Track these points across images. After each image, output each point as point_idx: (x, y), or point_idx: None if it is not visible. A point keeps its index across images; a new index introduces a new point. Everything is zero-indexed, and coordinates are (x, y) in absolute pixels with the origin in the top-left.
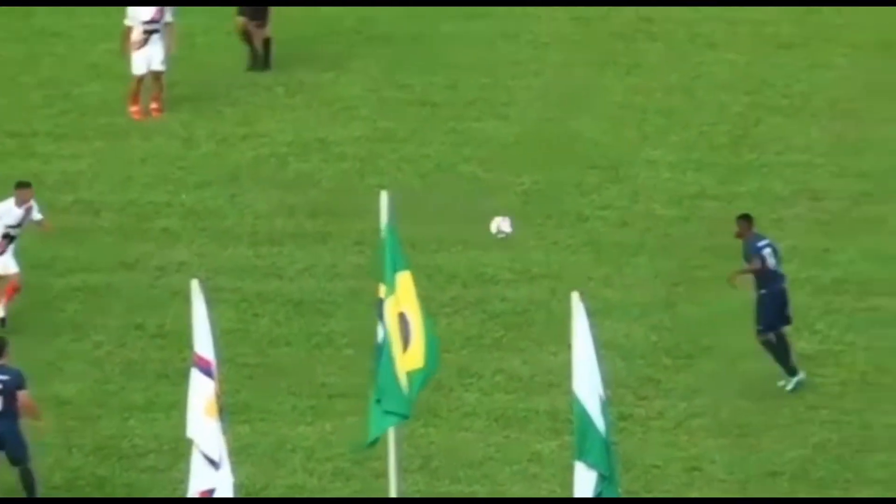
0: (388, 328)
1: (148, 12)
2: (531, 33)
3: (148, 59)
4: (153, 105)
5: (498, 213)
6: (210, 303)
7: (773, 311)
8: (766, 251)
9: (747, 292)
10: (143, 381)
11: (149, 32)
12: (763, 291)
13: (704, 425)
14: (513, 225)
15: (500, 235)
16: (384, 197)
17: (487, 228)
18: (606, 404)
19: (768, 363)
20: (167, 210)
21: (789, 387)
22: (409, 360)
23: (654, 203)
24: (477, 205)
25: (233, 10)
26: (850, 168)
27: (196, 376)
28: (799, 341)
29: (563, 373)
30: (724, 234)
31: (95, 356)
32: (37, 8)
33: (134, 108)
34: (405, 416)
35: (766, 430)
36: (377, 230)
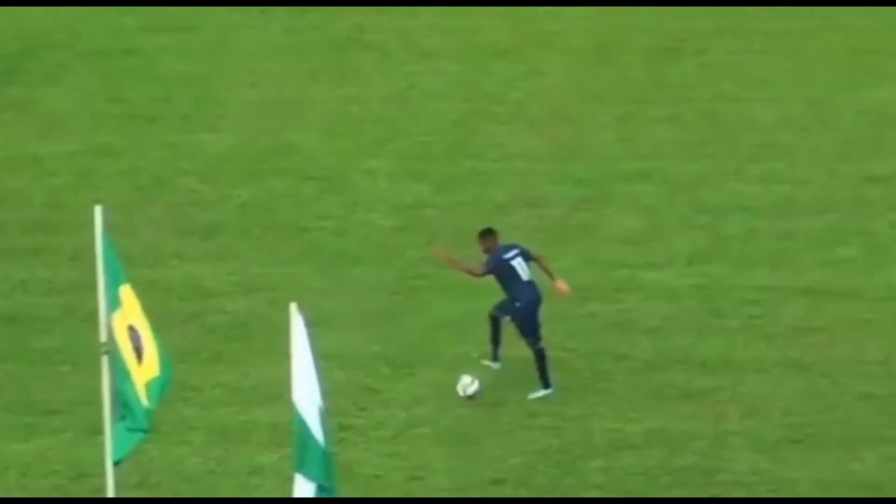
0: (119, 343)
1: None
2: (244, 44)
3: None
4: None
5: (214, 226)
6: None
7: (530, 322)
8: (516, 262)
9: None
10: None
11: None
12: (518, 304)
13: (426, 434)
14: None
15: (466, 395)
16: (98, 211)
17: None
18: (326, 415)
19: (489, 371)
20: None
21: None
22: (145, 371)
23: (373, 213)
24: (195, 217)
25: None
26: (569, 175)
27: None
28: (521, 349)
29: (283, 384)
30: (443, 244)
31: None
32: None
33: None
34: (146, 430)
35: (487, 437)
36: (93, 245)
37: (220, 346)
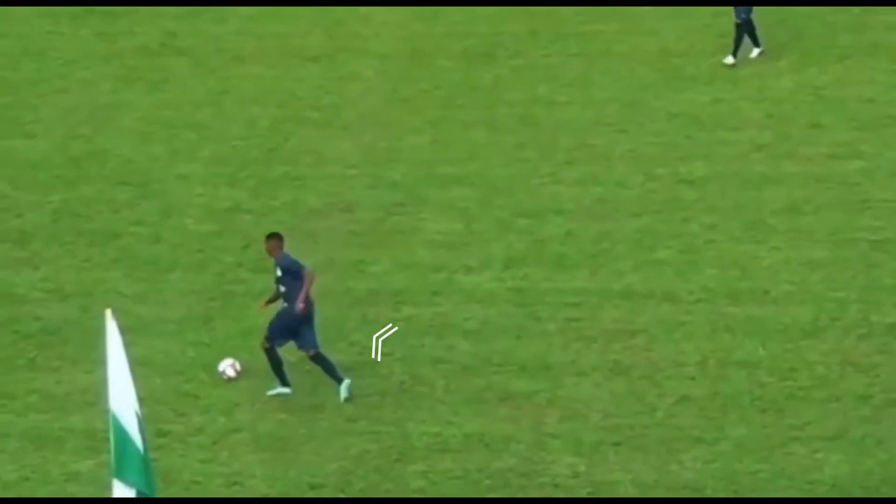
0: None
1: None
2: (56, 50)
3: None
4: None
5: (26, 232)
6: None
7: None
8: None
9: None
10: None
11: None
12: (301, 305)
13: (244, 440)
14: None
15: (225, 377)
16: None
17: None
18: (143, 421)
19: (307, 376)
20: None
21: (272, 392)
22: None
23: (188, 218)
24: (7, 224)
25: None
26: (382, 179)
27: None
28: (337, 353)
29: (99, 391)
30: (259, 249)
31: None
32: None
33: None
34: None
35: (305, 442)
36: None
37: (33, 352)
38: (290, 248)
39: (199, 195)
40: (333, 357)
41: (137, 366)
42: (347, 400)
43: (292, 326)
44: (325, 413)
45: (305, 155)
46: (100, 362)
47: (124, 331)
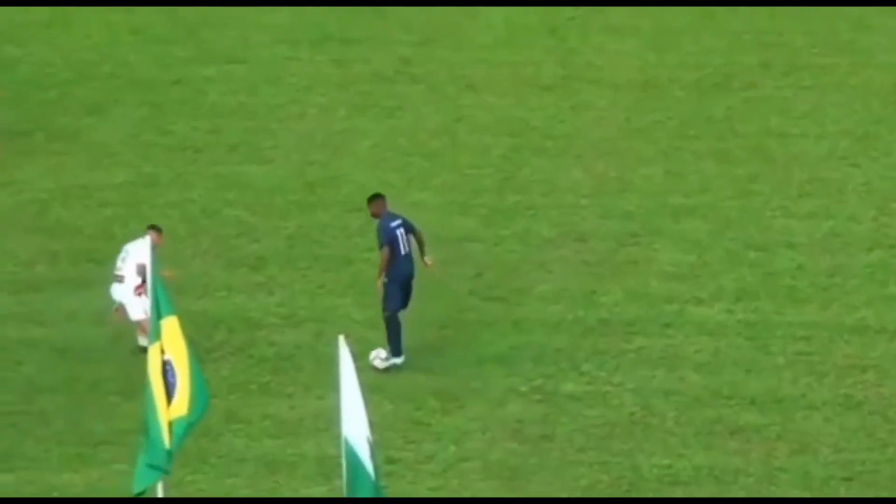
0: (151, 377)
1: None
2: (293, 76)
3: None
4: None
5: (263, 257)
6: None
7: (399, 296)
8: (401, 230)
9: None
10: None
11: None
12: (387, 280)
13: (474, 468)
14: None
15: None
16: (148, 242)
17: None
18: (374, 448)
19: (537, 405)
20: None
21: (382, 365)
22: (173, 409)
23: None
24: (244, 249)
25: None
26: (615, 209)
27: None
28: (566, 382)
29: (331, 417)
30: (492, 277)
31: None
32: None
33: None
34: (165, 471)
35: (535, 472)
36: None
37: (267, 377)
38: (521, 277)
39: (431, 223)
40: (564, 386)
41: (369, 392)
42: (375, 370)
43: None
44: (555, 443)
45: (538, 184)
46: (332, 388)
47: (357, 357)
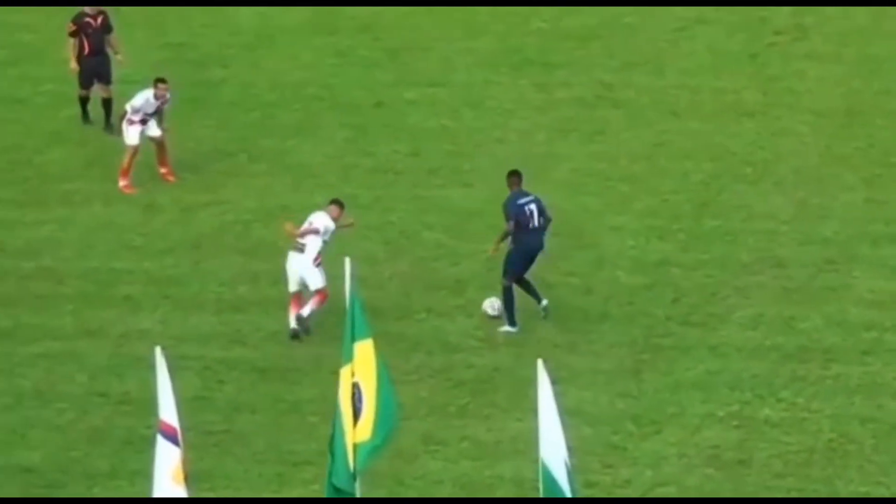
0: (341, 399)
1: (153, 106)
2: (494, 100)
3: (142, 128)
4: (163, 170)
5: (461, 280)
6: (174, 370)
7: (522, 264)
8: (531, 206)
9: (716, 360)
10: (107, 448)
11: (144, 121)
12: (513, 246)
13: (671, 494)
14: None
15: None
16: (348, 264)
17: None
18: (572, 472)
19: (734, 431)
20: (129, 277)
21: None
22: (358, 432)
23: (619, 270)
24: (443, 272)
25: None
26: (814, 235)
27: (162, 443)
28: (764, 408)
29: (529, 440)
30: (689, 302)
31: (59, 423)
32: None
33: (124, 183)
34: (350, 494)
35: (732, 497)
36: (342, 297)
37: (466, 399)
38: (719, 302)
39: (630, 247)
40: (762, 412)
41: (567, 416)
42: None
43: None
44: (752, 469)
45: (737, 210)
46: (530, 411)
47: (555, 380)
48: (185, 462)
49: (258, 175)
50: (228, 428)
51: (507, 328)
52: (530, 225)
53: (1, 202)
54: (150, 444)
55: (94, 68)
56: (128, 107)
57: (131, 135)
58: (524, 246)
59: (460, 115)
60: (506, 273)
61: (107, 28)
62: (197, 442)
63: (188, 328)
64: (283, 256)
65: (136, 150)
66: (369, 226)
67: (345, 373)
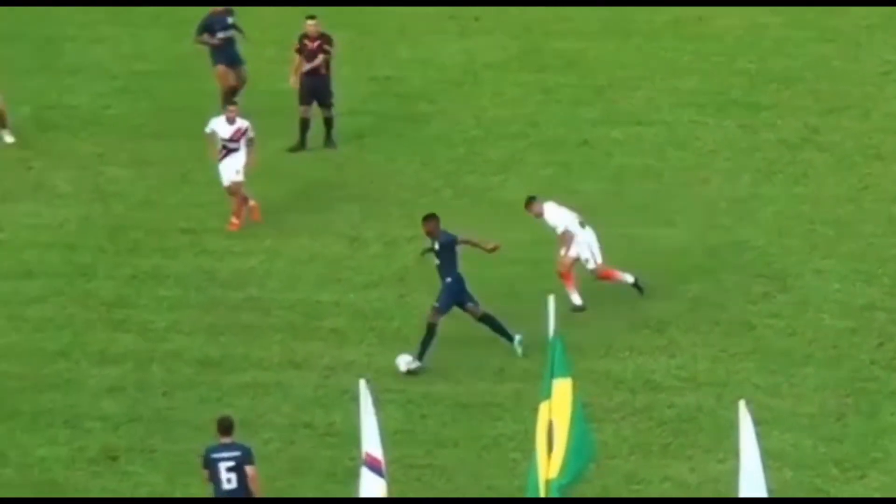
0: (537, 435)
1: (227, 131)
2: (699, 140)
3: (231, 163)
4: (251, 203)
5: (664, 320)
6: (378, 403)
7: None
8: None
9: None
10: (311, 479)
11: (228, 150)
12: (449, 280)
13: None
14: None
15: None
16: (551, 302)
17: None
18: None
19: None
20: (335, 309)
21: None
22: (550, 468)
23: (823, 313)
24: (646, 311)
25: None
26: None
27: (367, 475)
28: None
29: (730, 481)
30: (894, 347)
31: (264, 453)
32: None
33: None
34: None
35: None
36: (545, 334)
37: (668, 439)
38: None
39: (835, 291)
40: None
41: (769, 458)
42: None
43: (453, 296)
44: None
45: None
46: (732, 452)
47: (757, 422)
48: (390, 493)
49: (462, 211)
50: (430, 462)
51: (413, 362)
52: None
53: (211, 232)
54: (354, 476)
55: (310, 87)
56: (206, 130)
57: (222, 174)
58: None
59: (665, 155)
60: (437, 306)
61: (323, 50)
62: (399, 475)
63: (392, 361)
64: (488, 293)
65: (232, 189)
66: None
67: (543, 409)
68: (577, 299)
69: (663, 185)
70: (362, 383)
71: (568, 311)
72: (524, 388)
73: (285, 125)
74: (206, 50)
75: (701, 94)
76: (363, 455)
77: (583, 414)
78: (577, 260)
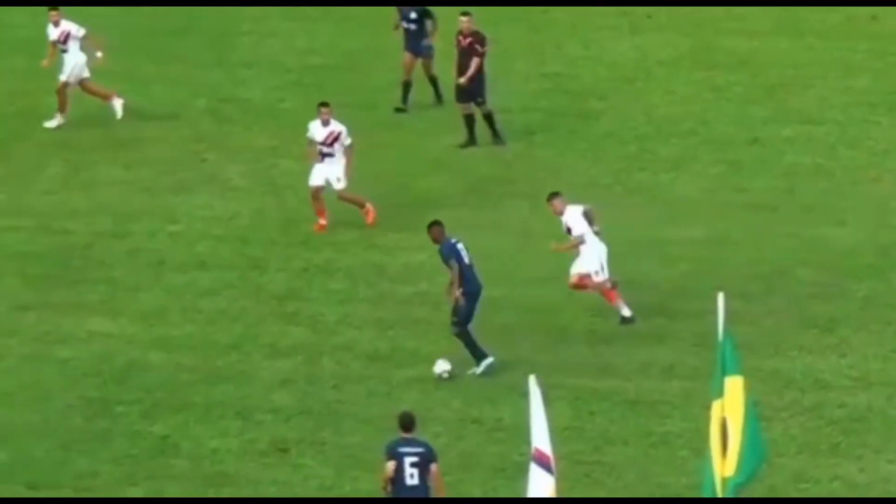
0: (711, 433)
1: (321, 134)
2: (870, 140)
3: (324, 167)
4: (367, 207)
5: (835, 319)
6: (546, 399)
7: (473, 302)
8: (460, 248)
9: None
10: (480, 473)
11: (323, 154)
12: (461, 291)
13: None
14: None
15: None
16: (721, 299)
17: None
18: None
19: None
20: (505, 305)
21: (479, 370)
22: (725, 466)
23: None
24: (816, 309)
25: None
26: None
27: (535, 471)
28: None
29: None
30: None
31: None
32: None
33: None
34: None
35: None
36: (714, 332)
37: (838, 438)
38: None
39: None
40: None
41: None
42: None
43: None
44: None
45: None
46: None
47: None
48: (559, 490)
49: (632, 207)
50: (599, 459)
51: (476, 368)
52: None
53: (381, 227)
54: (522, 472)
55: (462, 86)
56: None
57: (311, 175)
58: (467, 289)
59: (836, 154)
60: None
61: (473, 49)
62: (568, 471)
63: (560, 357)
64: (657, 290)
65: (315, 191)
66: (743, 261)
67: (716, 407)
68: (625, 311)
69: (834, 184)
70: (532, 379)
71: (739, 309)
72: (693, 387)
73: (456, 120)
74: (377, 44)
75: (873, 93)
76: (532, 451)
77: (755, 412)
78: (589, 276)
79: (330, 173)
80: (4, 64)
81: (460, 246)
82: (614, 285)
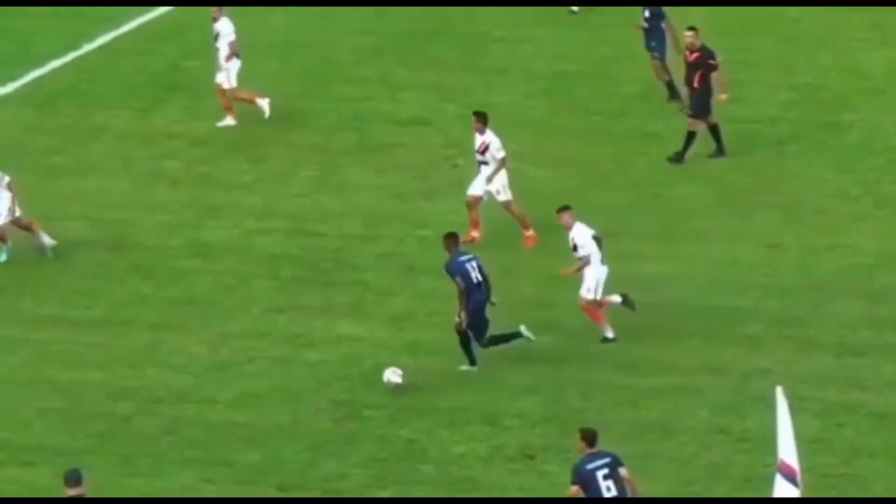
0: None
1: (476, 141)
2: None
3: (484, 185)
4: (528, 233)
5: None
6: (792, 410)
7: (478, 318)
8: (471, 265)
9: None
10: (726, 484)
11: (479, 163)
12: (471, 307)
13: None
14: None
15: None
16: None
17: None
18: None
19: None
20: (752, 316)
21: (463, 368)
22: None
23: None
24: None
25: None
26: None
27: (780, 483)
28: None
29: None
30: None
31: (680, 456)
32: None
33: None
34: None
35: None
36: None
37: None
38: None
39: None
40: None
41: None
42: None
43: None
44: None
45: None
46: None
47: None
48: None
49: (882, 220)
50: (847, 471)
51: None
52: (475, 280)
53: (628, 235)
54: (768, 483)
55: (690, 100)
56: None
57: (472, 185)
58: (474, 304)
59: None
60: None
61: (699, 63)
62: (814, 484)
63: (808, 369)
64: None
65: (472, 201)
66: None
67: None
68: (608, 333)
69: None
70: (779, 390)
71: None
72: None
73: (704, 130)
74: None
75: None
76: (778, 462)
77: None
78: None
79: (490, 185)
80: (260, 67)
81: (473, 264)
82: (601, 305)
